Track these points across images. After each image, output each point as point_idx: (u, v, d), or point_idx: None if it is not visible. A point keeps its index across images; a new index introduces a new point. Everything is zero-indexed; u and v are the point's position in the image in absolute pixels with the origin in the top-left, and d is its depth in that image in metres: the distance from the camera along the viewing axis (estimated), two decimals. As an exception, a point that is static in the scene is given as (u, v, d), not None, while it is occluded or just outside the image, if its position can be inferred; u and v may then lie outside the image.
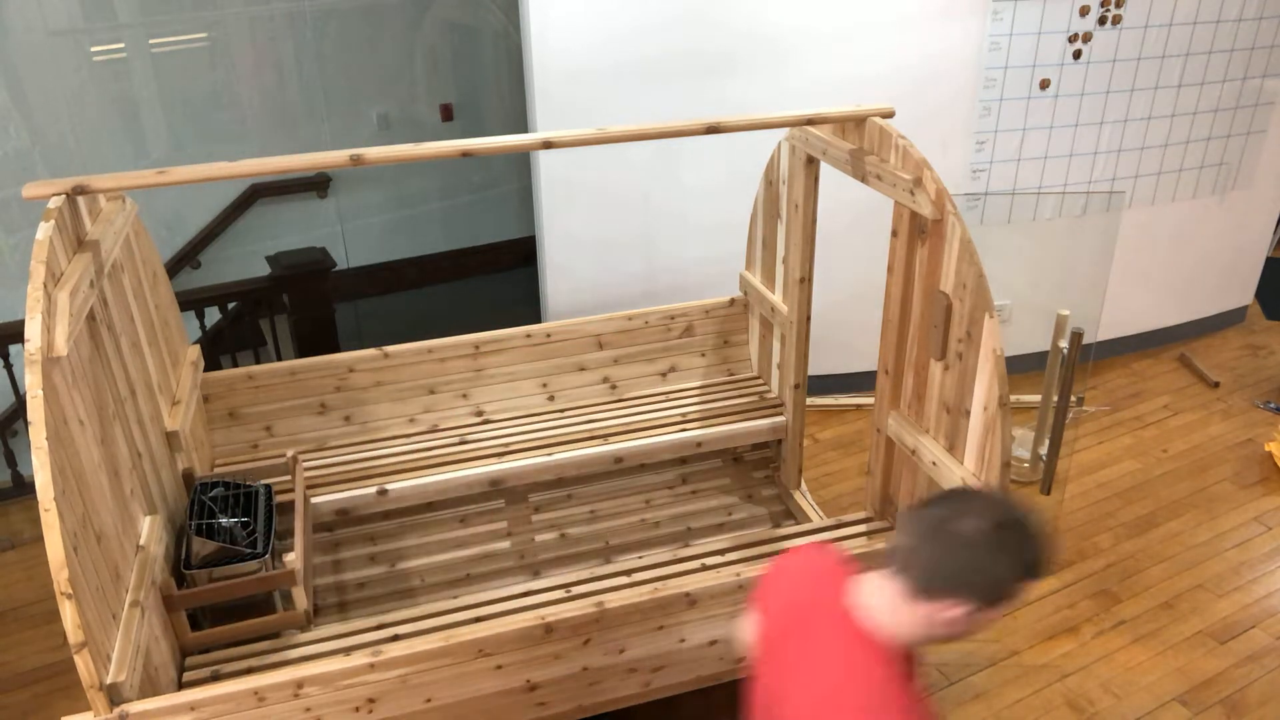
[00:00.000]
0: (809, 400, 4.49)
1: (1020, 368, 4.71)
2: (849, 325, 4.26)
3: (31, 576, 3.52)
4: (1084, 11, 3.95)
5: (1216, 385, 4.59)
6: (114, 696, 1.88)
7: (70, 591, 1.75)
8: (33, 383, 1.80)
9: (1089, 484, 3.92)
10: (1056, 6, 3.91)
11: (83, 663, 1.80)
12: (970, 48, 3.94)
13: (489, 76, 5.55)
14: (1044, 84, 4.06)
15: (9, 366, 3.72)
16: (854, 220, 4.01)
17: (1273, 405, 4.42)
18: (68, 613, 1.76)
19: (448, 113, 5.52)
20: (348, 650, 2.45)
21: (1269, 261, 5.15)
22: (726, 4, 3.70)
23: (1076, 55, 4.04)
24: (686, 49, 3.74)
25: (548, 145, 2.48)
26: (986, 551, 1.36)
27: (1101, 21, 4.00)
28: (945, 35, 3.90)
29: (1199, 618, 3.24)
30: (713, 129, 2.58)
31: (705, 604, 2.28)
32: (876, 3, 3.79)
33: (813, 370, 4.41)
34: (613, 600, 2.18)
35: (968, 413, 2.51)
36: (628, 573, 2.77)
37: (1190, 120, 4.38)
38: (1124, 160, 4.35)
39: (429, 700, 2.14)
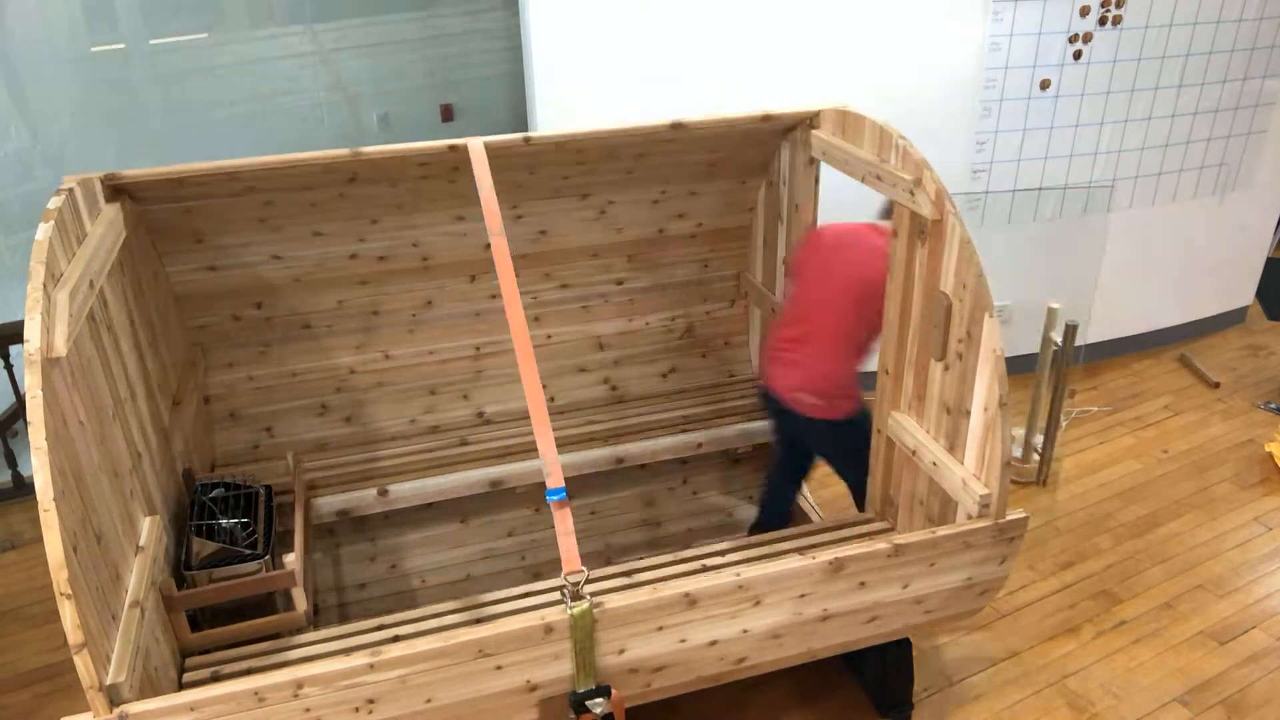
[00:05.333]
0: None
1: (1020, 368, 4.71)
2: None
3: (31, 576, 3.52)
4: (1084, 12, 3.95)
5: (1217, 385, 4.59)
6: (113, 697, 1.88)
7: (69, 592, 1.75)
8: (32, 383, 1.79)
9: (1089, 484, 3.92)
10: (1056, 7, 3.91)
11: (82, 663, 1.79)
12: (970, 48, 3.93)
13: (490, 77, 5.54)
14: (1044, 84, 4.06)
15: (9, 367, 3.72)
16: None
17: (1273, 406, 4.42)
18: (67, 613, 1.75)
19: (448, 113, 5.51)
20: (348, 651, 2.45)
21: (1269, 262, 5.15)
22: (728, 3, 3.70)
23: (1077, 56, 4.04)
24: (688, 49, 3.74)
25: (527, 142, 2.67)
26: None
27: (1102, 22, 4.00)
28: (945, 35, 3.90)
29: (1199, 618, 3.24)
30: (677, 126, 2.74)
31: (705, 604, 2.27)
32: (877, 3, 3.80)
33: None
34: (613, 600, 2.17)
35: (968, 413, 2.51)
36: (628, 574, 2.77)
37: (1190, 120, 4.38)
38: (1124, 160, 4.35)
39: (429, 700, 2.13)
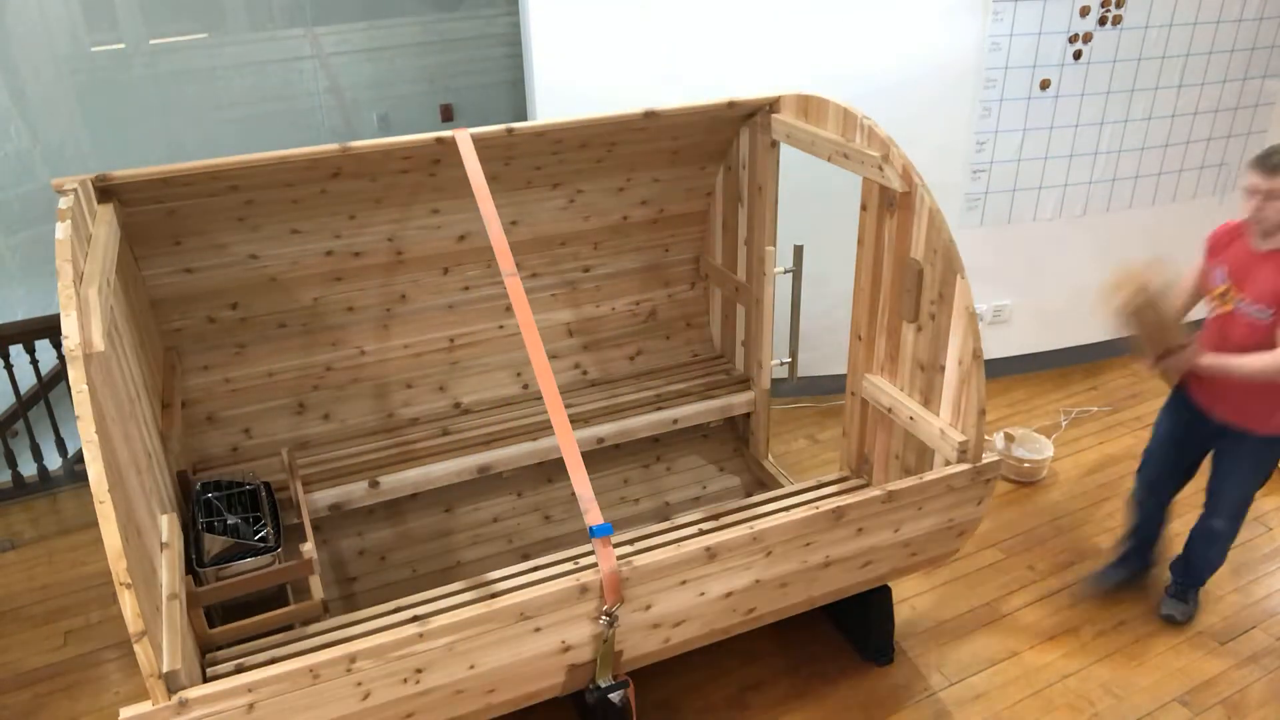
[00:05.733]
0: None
1: (1020, 368, 4.71)
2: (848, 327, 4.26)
3: (31, 576, 3.52)
4: (1084, 12, 3.95)
5: (1217, 386, 4.58)
6: (171, 684, 1.92)
7: (129, 581, 1.78)
8: (76, 378, 1.82)
9: (1089, 484, 3.92)
10: (1056, 7, 3.91)
11: (142, 651, 1.82)
12: (970, 48, 3.93)
13: (490, 80, 5.55)
14: (1044, 84, 4.06)
15: (9, 367, 3.73)
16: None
17: (1273, 406, 4.41)
18: (127, 602, 1.78)
19: (448, 113, 5.52)
20: (368, 635, 2.49)
21: (1269, 262, 5.15)
22: (729, 3, 3.71)
23: (1077, 56, 4.04)
24: (689, 48, 3.75)
25: (510, 132, 2.81)
26: None
27: (1102, 22, 4.00)
28: (945, 35, 3.90)
29: (1199, 618, 3.23)
30: (649, 115, 2.92)
31: (724, 557, 2.41)
32: (877, 3, 3.80)
33: (813, 371, 4.41)
34: (642, 559, 2.29)
35: (942, 368, 2.70)
36: (631, 541, 2.91)
37: (1190, 121, 4.37)
38: (1124, 161, 4.35)
39: (472, 667, 2.21)
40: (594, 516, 2.24)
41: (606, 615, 2.29)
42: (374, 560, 3.21)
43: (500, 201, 3.25)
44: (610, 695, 2.45)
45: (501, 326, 3.47)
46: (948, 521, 2.73)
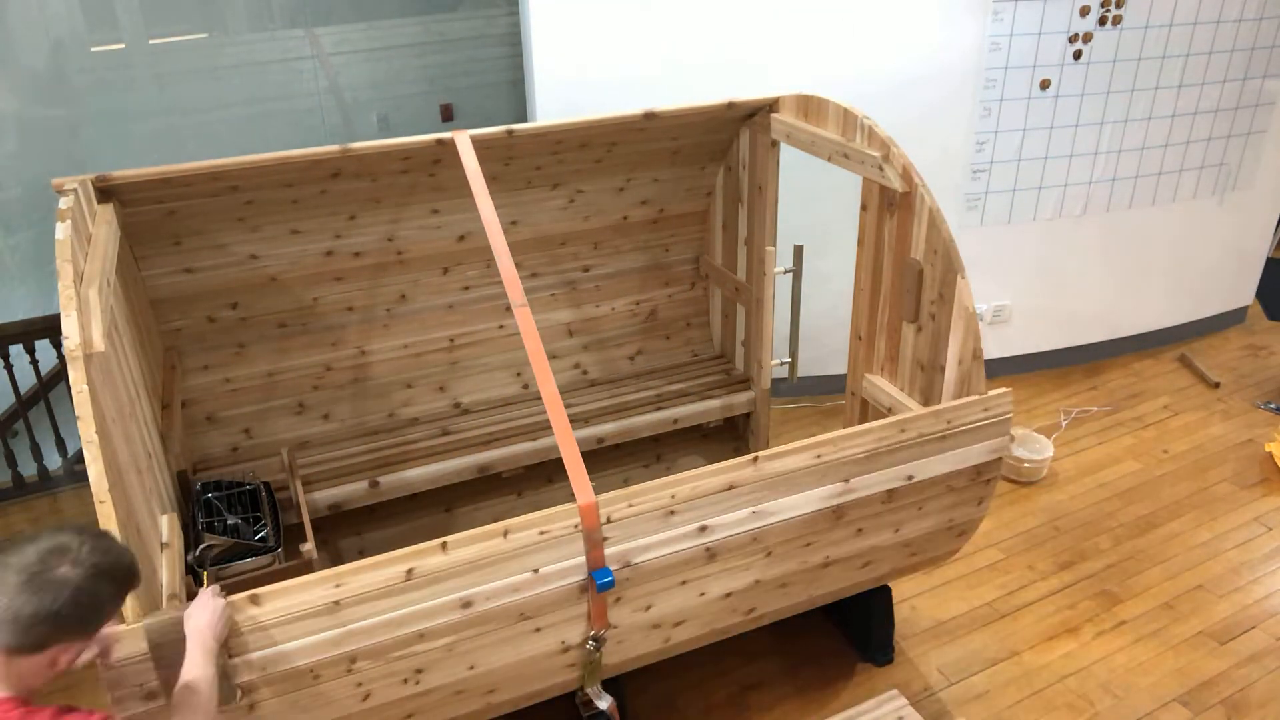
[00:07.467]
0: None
1: (1020, 368, 4.71)
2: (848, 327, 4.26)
3: (31, 577, 3.51)
4: (1084, 12, 3.95)
5: (1217, 386, 4.59)
6: None
7: None
8: (77, 378, 1.82)
9: (1089, 484, 3.92)
10: (1056, 7, 3.91)
11: None
12: (970, 48, 3.93)
13: (490, 77, 5.55)
14: (1044, 84, 4.06)
15: (9, 367, 3.72)
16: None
17: (1273, 405, 4.41)
18: (128, 604, 1.77)
19: (448, 113, 5.52)
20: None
21: (1269, 262, 5.15)
22: (728, 4, 3.71)
23: (1077, 56, 4.04)
24: (689, 49, 3.75)
25: (510, 133, 2.82)
26: (91, 583, 1.44)
27: (1102, 22, 4.00)
28: (945, 35, 3.90)
29: (1199, 618, 3.23)
30: (650, 116, 2.94)
31: (724, 557, 2.39)
32: (877, 3, 3.80)
33: (814, 371, 4.41)
34: (640, 556, 2.28)
35: (942, 368, 2.69)
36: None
37: (1190, 121, 4.37)
38: (1124, 161, 4.35)
39: (472, 667, 2.20)
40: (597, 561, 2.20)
41: (593, 640, 2.28)
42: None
43: (500, 202, 3.25)
44: (597, 705, 2.44)
45: (501, 326, 3.47)
46: (948, 521, 2.73)
